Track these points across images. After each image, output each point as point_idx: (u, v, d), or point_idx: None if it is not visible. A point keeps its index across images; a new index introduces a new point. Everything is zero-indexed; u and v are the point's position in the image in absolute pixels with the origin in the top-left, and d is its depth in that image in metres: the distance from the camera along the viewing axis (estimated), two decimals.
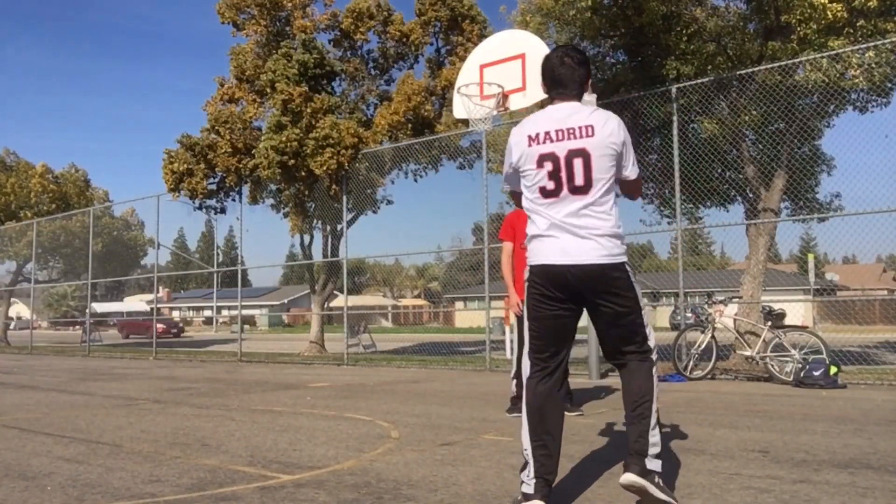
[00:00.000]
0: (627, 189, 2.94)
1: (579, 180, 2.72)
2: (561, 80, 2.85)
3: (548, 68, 2.89)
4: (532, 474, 2.72)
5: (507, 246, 5.70)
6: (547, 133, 2.76)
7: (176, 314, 63.96)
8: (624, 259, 2.78)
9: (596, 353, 8.75)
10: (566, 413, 5.37)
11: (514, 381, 5.68)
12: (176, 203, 15.36)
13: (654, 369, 2.81)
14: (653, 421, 2.72)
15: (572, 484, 3.27)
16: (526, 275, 2.86)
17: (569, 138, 2.73)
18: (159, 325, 32.30)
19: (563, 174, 2.72)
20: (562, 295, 2.76)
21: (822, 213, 9.70)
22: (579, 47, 10.34)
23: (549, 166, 2.74)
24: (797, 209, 10.22)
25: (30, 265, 23.73)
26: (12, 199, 23.52)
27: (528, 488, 2.71)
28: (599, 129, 2.74)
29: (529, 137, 2.79)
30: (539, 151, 2.76)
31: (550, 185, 2.74)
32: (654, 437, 2.71)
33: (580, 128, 2.74)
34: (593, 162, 2.71)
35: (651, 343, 2.84)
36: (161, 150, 16.08)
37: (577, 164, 2.71)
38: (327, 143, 12.91)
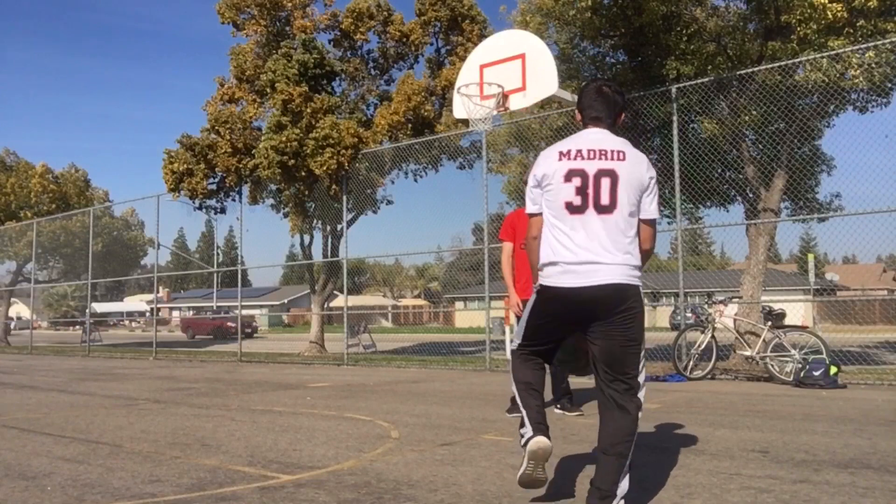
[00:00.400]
0: (642, 234, 2.84)
1: (605, 199, 2.72)
2: (597, 109, 2.90)
3: (586, 96, 2.95)
4: (529, 425, 2.85)
5: (508, 246, 5.67)
6: (579, 150, 2.78)
7: (176, 314, 63.97)
8: (639, 284, 2.79)
9: None
10: (567, 413, 5.38)
11: None
12: (176, 203, 15.37)
13: (640, 408, 2.76)
14: (628, 462, 2.66)
15: (572, 484, 3.27)
16: (536, 287, 2.87)
17: (600, 158, 2.75)
18: (230, 324, 31.80)
19: (591, 191, 2.73)
20: (571, 317, 2.78)
21: (822, 213, 9.71)
22: (580, 47, 10.26)
23: (576, 181, 2.74)
24: (797, 209, 10.22)
25: (30, 265, 23.73)
26: (12, 199, 23.51)
27: (528, 432, 2.83)
28: (630, 157, 2.79)
29: (560, 153, 2.81)
30: (569, 166, 2.76)
31: (577, 201, 2.73)
32: (625, 480, 2.65)
33: (613, 151, 2.78)
34: (620, 185, 2.73)
35: (641, 379, 2.77)
36: (161, 150, 16.08)
37: (605, 183, 2.73)
38: (327, 143, 12.91)
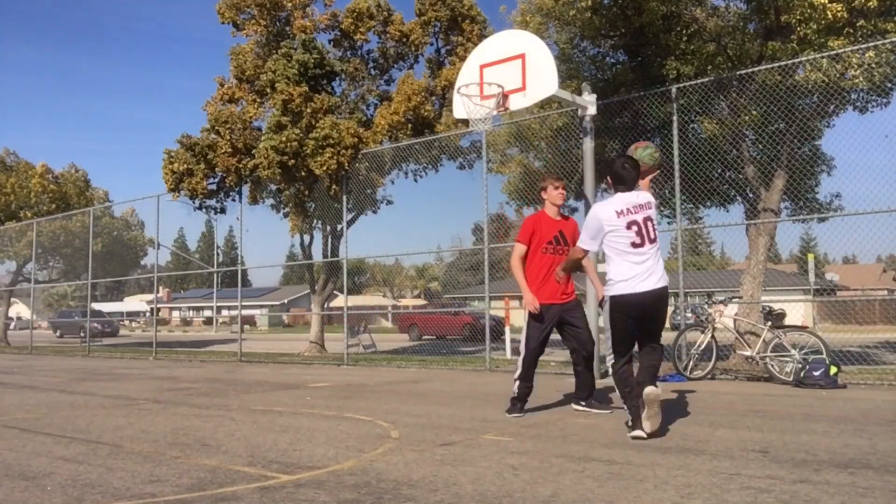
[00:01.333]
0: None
1: (653, 235, 4.55)
2: (623, 180, 4.63)
3: (614, 172, 4.69)
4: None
5: (521, 248, 5.63)
6: (628, 209, 4.54)
7: (176, 314, 64.00)
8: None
9: (596, 353, 8.74)
10: (592, 410, 5.71)
11: (518, 383, 5.60)
12: (176, 203, 15.35)
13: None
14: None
15: (572, 483, 3.27)
16: (609, 295, 4.62)
17: (642, 210, 4.55)
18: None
19: (644, 232, 4.51)
20: (636, 313, 4.56)
21: (822, 213, 9.70)
22: (580, 47, 10.38)
23: (635, 228, 4.50)
24: (797, 209, 10.22)
25: (30, 265, 23.72)
26: (12, 199, 23.49)
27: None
28: (653, 203, 4.65)
29: (617, 212, 4.53)
30: (627, 219, 4.51)
31: (637, 240, 4.49)
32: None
33: (646, 203, 4.60)
34: (654, 223, 4.60)
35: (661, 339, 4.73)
36: (161, 150, 16.07)
37: (650, 225, 4.55)
38: (327, 144, 12.91)
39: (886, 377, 7.96)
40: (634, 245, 4.48)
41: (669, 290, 4.66)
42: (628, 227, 4.48)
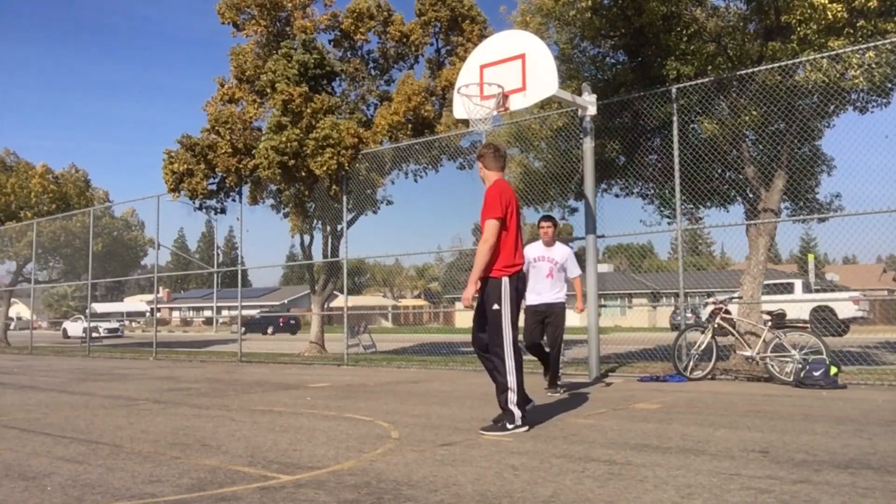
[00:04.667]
0: None
1: None
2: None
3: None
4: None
5: (497, 224, 4.83)
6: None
7: (176, 314, 63.97)
8: None
9: (596, 353, 8.75)
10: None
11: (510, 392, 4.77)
12: (176, 203, 15.36)
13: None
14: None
15: (572, 484, 3.27)
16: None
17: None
18: None
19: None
20: None
21: (822, 213, 9.70)
22: (580, 47, 10.53)
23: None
24: (797, 209, 10.21)
25: (30, 265, 23.73)
26: (12, 199, 23.50)
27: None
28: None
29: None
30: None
31: None
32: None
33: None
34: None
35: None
36: (161, 150, 16.07)
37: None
38: (327, 144, 12.91)
39: (886, 377, 7.95)
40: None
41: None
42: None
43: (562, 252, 7.38)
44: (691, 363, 8.48)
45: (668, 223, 10.91)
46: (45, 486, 3.39)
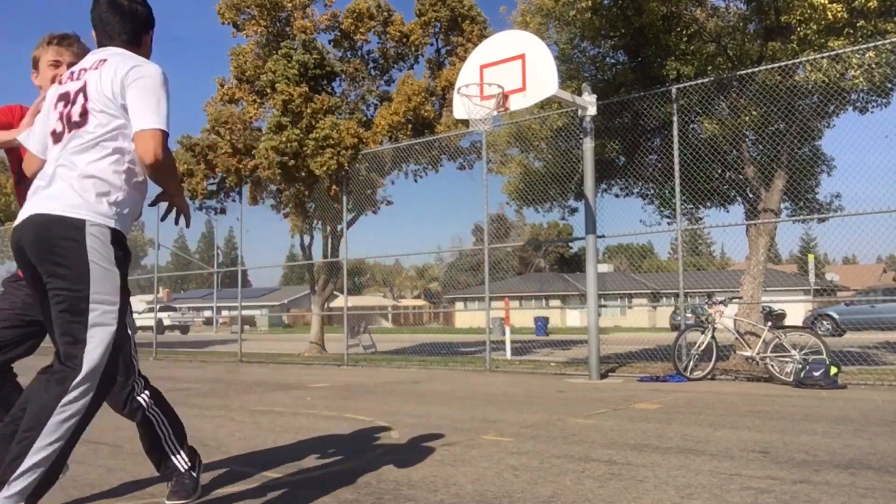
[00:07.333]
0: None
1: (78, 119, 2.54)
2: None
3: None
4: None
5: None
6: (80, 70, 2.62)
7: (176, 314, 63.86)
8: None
9: (596, 353, 8.75)
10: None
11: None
12: None
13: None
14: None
15: (572, 484, 3.27)
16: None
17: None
18: None
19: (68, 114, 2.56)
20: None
21: (822, 213, 9.70)
22: (580, 48, 10.39)
23: (61, 105, 2.57)
24: (797, 209, 10.22)
25: None
26: (12, 200, 23.53)
27: None
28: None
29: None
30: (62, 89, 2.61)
31: (58, 128, 2.55)
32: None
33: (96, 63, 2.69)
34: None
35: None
36: None
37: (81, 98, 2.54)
38: (327, 144, 12.91)
39: (886, 377, 7.96)
40: (54, 135, 2.53)
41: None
42: (57, 102, 2.57)
43: None
44: (691, 363, 8.49)
45: (668, 223, 10.92)
46: None
